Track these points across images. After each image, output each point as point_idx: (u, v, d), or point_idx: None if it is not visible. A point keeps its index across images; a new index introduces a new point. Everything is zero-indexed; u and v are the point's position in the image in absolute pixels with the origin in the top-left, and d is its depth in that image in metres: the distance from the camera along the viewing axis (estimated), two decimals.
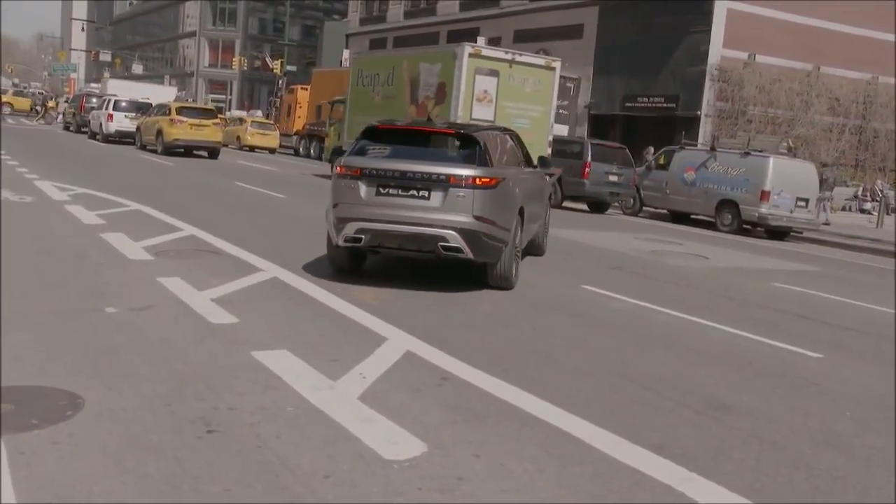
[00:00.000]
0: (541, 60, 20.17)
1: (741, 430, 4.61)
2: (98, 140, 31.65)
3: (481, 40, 38.06)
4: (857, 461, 4.32)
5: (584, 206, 22.40)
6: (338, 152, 21.80)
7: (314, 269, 8.28)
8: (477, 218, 7.79)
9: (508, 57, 19.51)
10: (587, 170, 20.87)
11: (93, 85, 67.03)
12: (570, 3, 36.08)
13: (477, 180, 7.82)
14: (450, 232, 7.74)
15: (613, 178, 21.28)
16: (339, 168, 8.11)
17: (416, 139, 8.50)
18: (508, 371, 5.29)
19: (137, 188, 14.79)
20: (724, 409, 4.95)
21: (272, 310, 6.49)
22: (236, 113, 39.44)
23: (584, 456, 3.97)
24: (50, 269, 7.35)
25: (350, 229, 7.86)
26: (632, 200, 22.39)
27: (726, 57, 31.06)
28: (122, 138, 30.64)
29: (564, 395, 4.90)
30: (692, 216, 21.61)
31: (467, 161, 8.03)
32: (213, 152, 27.67)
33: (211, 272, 7.68)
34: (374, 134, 8.37)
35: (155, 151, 27.09)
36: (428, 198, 7.79)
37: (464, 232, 7.75)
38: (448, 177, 7.80)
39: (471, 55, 18.82)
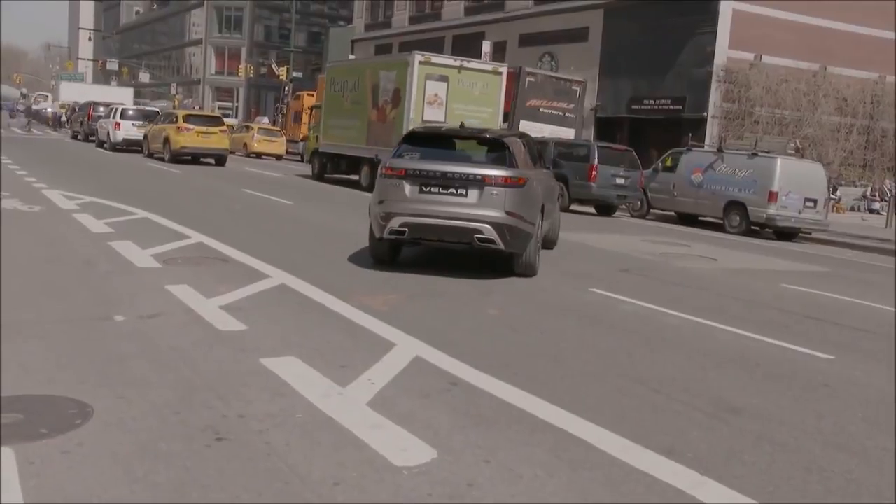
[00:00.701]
0: (488, 66, 22.01)
1: (752, 432, 4.58)
2: (106, 148, 31.81)
3: (486, 45, 38.54)
4: (870, 463, 4.28)
5: (592, 209, 22.34)
6: (315, 153, 25.47)
7: (322, 275, 8.28)
8: (508, 213, 8.85)
9: (457, 63, 21.17)
10: (594, 172, 20.84)
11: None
12: (576, 6, 36.03)
13: (508, 180, 8.93)
14: (485, 225, 8.79)
15: (620, 181, 21.24)
16: (385, 168, 9.13)
17: (451, 143, 9.91)
18: (517, 375, 5.27)
19: (145, 196, 14.82)
20: (734, 412, 4.92)
21: (280, 316, 6.48)
22: (230, 121, 39.71)
23: (595, 460, 3.94)
24: (58, 278, 7.36)
25: (395, 223, 8.90)
26: (639, 203, 22.34)
27: (732, 58, 30.96)
28: (129, 146, 30.78)
29: (574, 398, 4.88)
30: (700, 218, 21.55)
31: (498, 163, 9.15)
32: (220, 159, 27.73)
33: (219, 279, 7.68)
34: (414, 138, 9.61)
35: (162, 159, 27.19)
36: (466, 195, 8.87)
37: (496, 225, 8.80)
38: (483, 177, 8.88)
39: (421, 62, 20.46)
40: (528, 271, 9.40)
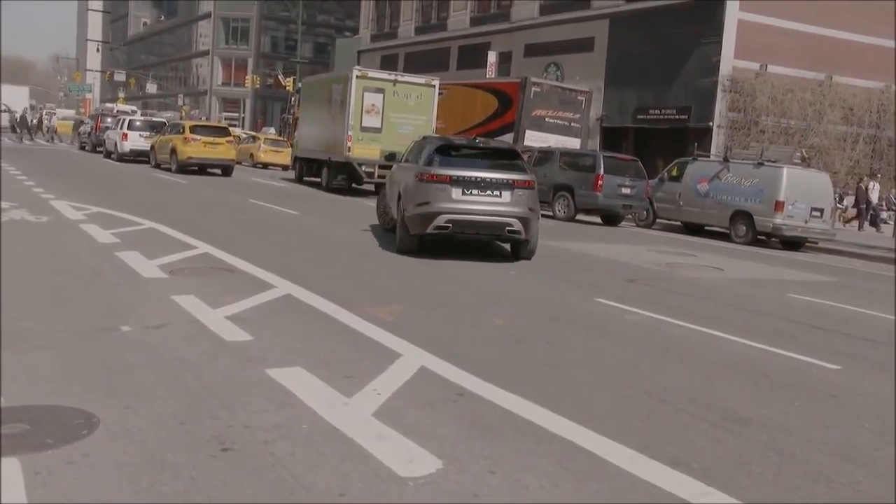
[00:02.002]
0: (421, 79, 24.27)
1: (759, 443, 4.56)
2: (113, 159, 31.90)
3: (492, 55, 38.67)
4: (878, 474, 4.26)
5: (598, 219, 22.34)
6: (296, 159, 28.24)
7: (327, 285, 8.29)
8: (529, 209, 11.37)
9: (391, 77, 23.93)
10: (600, 182, 20.85)
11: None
12: (581, 16, 36.15)
13: (529, 183, 11.48)
14: (514, 220, 11.18)
15: (626, 191, 21.24)
16: (429, 175, 11.14)
17: (474, 153, 11.98)
18: (523, 385, 5.26)
19: (152, 206, 14.85)
20: (741, 422, 4.90)
21: (286, 327, 6.48)
22: (236, 131, 40.43)
23: (601, 471, 3.93)
24: (66, 288, 7.36)
25: (441, 220, 11.01)
26: (645, 213, 22.34)
27: (738, 67, 30.95)
28: (136, 157, 30.84)
29: (580, 409, 4.87)
30: (706, 228, 21.52)
31: (517, 169, 11.59)
32: (226, 170, 27.79)
33: (225, 289, 7.69)
34: (442, 150, 11.68)
35: (169, 170, 27.26)
36: (500, 196, 11.17)
37: (522, 219, 11.24)
38: (514, 181, 11.28)
39: (358, 77, 23.18)
40: (531, 255, 11.85)
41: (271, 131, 50.28)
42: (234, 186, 23.23)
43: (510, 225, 11.20)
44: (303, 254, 11.04)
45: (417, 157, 12.33)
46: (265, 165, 38.21)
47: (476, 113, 27.66)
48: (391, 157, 15.61)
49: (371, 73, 24.00)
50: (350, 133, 22.96)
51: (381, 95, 23.32)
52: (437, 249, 11.73)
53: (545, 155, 22.64)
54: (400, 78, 24.18)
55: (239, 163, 32.94)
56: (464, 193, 11.10)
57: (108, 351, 5.41)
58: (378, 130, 22.70)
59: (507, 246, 12.32)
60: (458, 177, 11.13)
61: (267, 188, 24.01)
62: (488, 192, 11.14)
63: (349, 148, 22.57)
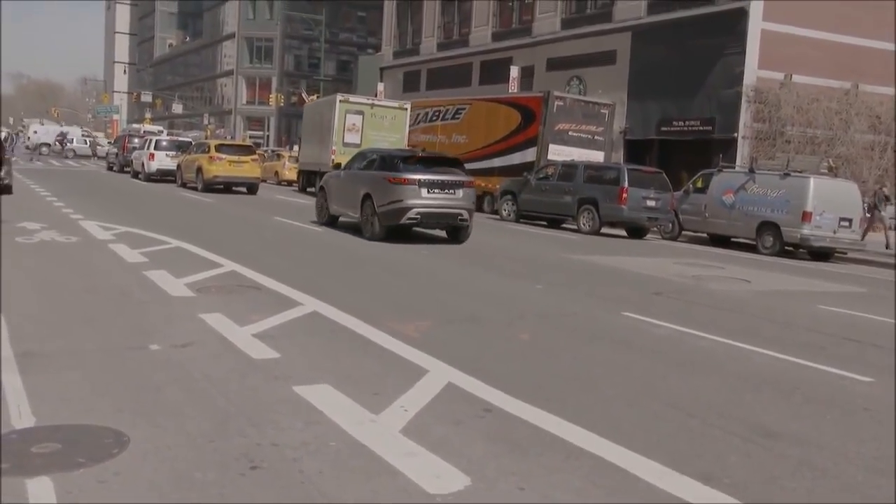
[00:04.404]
0: (394, 103, 30.00)
1: (791, 457, 4.50)
2: (140, 179, 32.27)
3: (514, 70, 38.79)
4: None
5: (623, 232, 22.23)
6: (300, 172, 33.27)
7: (353, 302, 8.31)
8: (472, 203, 15.38)
9: (369, 102, 29.59)
10: (624, 195, 20.78)
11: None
12: (603, 29, 36.10)
13: (472, 183, 15.48)
14: (464, 211, 14.96)
15: (651, 203, 21.14)
16: (403, 179, 14.43)
17: (429, 162, 15.34)
18: (551, 401, 5.23)
19: (179, 226, 15.00)
20: (772, 437, 4.84)
21: (313, 344, 6.50)
22: (261, 150, 41.38)
23: (631, 487, 3.90)
24: (95, 308, 7.42)
25: (412, 213, 14.37)
26: (670, 225, 22.21)
27: (762, 78, 30.69)
28: (163, 177, 31.25)
29: (609, 424, 4.84)
30: (732, 239, 21.35)
31: (462, 173, 15.36)
32: (251, 188, 28.02)
33: (251, 307, 7.73)
34: (405, 160, 15.03)
35: (195, 189, 27.52)
36: (454, 193, 14.79)
37: (468, 210, 15.07)
38: (464, 182, 15.02)
39: (341, 101, 28.32)
40: (468, 237, 15.49)
41: (296, 149, 50.65)
42: (259, 204, 23.41)
43: (461, 215, 14.94)
44: (326, 269, 11.09)
45: (366, 167, 15.82)
46: (290, 183, 38.39)
47: (499, 128, 27.79)
48: (336, 167, 18.16)
49: (352, 98, 29.49)
50: (334, 147, 27.42)
51: (361, 116, 28.12)
52: (398, 237, 14.95)
53: (569, 169, 22.61)
54: (377, 102, 30.09)
55: (264, 180, 33.16)
56: (428, 192, 14.47)
57: (137, 370, 5.44)
58: (358, 146, 25.57)
59: (444, 233, 15.89)
60: (424, 179, 14.49)
61: (291, 205, 24.18)
62: (446, 190, 14.66)
63: (333, 160, 24.55)
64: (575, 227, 21.72)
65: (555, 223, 23.16)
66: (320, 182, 18.40)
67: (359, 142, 27.00)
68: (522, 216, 23.54)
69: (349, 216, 16.25)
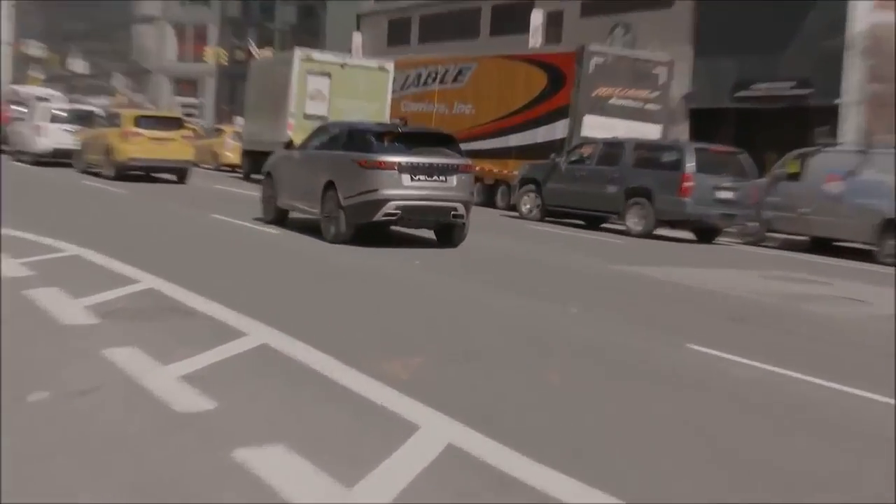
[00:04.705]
0: (374, 63, 30.83)
1: None
2: (25, 161, 32.05)
3: (536, 16, 38.81)
4: None
5: (687, 234, 22.31)
6: (244, 153, 33.93)
7: (317, 332, 8.21)
8: (470, 193, 16.02)
9: (339, 61, 30.04)
10: (688, 184, 20.77)
11: None
12: None
13: (469, 167, 16.05)
14: (458, 204, 15.32)
15: (725, 195, 21.14)
16: (377, 162, 14.87)
17: (414, 139, 16.18)
18: (590, 469, 5.12)
19: (78, 226, 14.86)
20: None
21: (262, 390, 6.40)
22: (194, 123, 41.49)
23: None
24: None
25: (390, 207, 14.78)
26: (753, 224, 22.13)
27: (879, 23, 30.66)
28: (58, 159, 30.88)
29: (675, 501, 4.75)
30: (839, 243, 21.27)
31: (457, 153, 16.00)
32: (180, 174, 28.05)
33: (178, 339, 7.62)
34: (380, 136, 15.64)
35: (103, 176, 27.39)
36: (446, 181, 15.25)
37: (465, 203, 15.48)
38: (458, 165, 15.58)
39: (302, 60, 29.25)
40: (463, 240, 15.98)
41: (242, 123, 50.54)
42: (190, 197, 23.40)
43: (455, 209, 15.31)
44: (280, 286, 11.05)
45: (328, 145, 16.47)
46: (233, 168, 38.44)
47: (517, 94, 27.93)
48: (288, 144, 18.81)
49: (316, 56, 30.14)
50: (291, 121, 28.29)
51: (328, 80, 28.98)
52: (370, 240, 15.23)
53: (613, 149, 22.73)
54: (350, 62, 30.64)
55: (198, 165, 33.14)
56: (412, 179, 14.96)
57: (14, 429, 5.28)
58: (324, 119, 25.79)
59: (431, 233, 16.51)
60: (406, 163, 14.95)
61: (234, 198, 24.27)
62: (435, 177, 15.15)
63: (290, 138, 23.33)
64: (621, 227, 21.77)
65: (593, 222, 23.32)
66: (266, 165, 18.77)
67: (325, 113, 27.68)
68: (549, 213, 23.71)
69: (305, 211, 16.68)
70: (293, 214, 17.39)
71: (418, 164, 14.99)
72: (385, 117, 28.24)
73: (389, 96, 29.83)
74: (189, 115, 54.68)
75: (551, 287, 12.29)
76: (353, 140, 15.82)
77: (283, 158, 18.01)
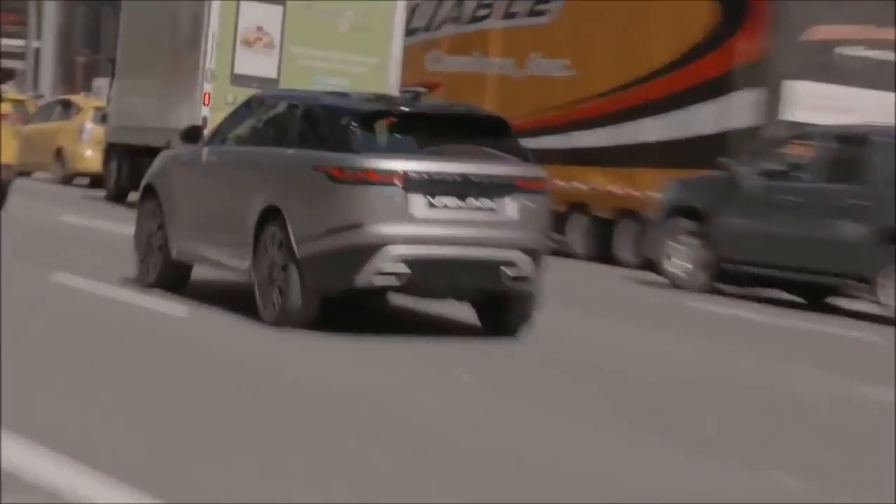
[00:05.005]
0: None
1: None
2: None
3: None
4: None
5: None
6: (108, 151, 30.35)
7: None
8: (543, 232, 13.47)
9: None
10: None
11: None
12: None
13: (539, 183, 13.22)
14: (517, 254, 12.64)
15: None
16: (364, 172, 12.26)
17: (425, 126, 13.50)
18: None
19: None
20: None
21: None
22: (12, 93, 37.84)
23: None
24: None
25: (387, 261, 12.12)
26: None
27: None
28: None
29: None
30: None
31: (513, 153, 13.31)
32: None
33: None
34: (367, 122, 12.92)
35: None
36: (494, 207, 12.65)
37: (532, 252, 12.78)
38: (515, 179, 12.89)
39: None
40: (527, 321, 13.17)
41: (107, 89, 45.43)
42: (15, 238, 20.49)
43: (511, 263, 12.48)
44: (199, 436, 9.07)
45: (263, 137, 14.37)
46: (93, 178, 35.64)
47: (656, 43, 24.21)
48: (191, 133, 15.95)
49: None
50: (207, 88, 23.52)
51: (280, 9, 24.11)
52: (347, 318, 13.26)
53: (851, 148, 19.75)
54: None
55: (27, 173, 32.08)
56: (430, 205, 12.29)
57: None
58: (272, 81, 23.11)
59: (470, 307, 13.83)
60: (420, 173, 12.34)
61: (98, 239, 22.67)
62: (473, 200, 12.44)
63: (204, 119, 22.20)
64: (872, 303, 18.91)
65: (814, 293, 20.64)
66: (147, 176, 16.33)
67: (273, 74, 24.01)
68: (724, 275, 20.82)
69: (220, 264, 14.59)
70: (200, 270, 15.23)
71: (442, 175, 12.41)
72: (390, 83, 24.06)
73: (400, 43, 25.21)
74: (8, 74, 50.98)
75: (761, 441, 9.90)
76: (316, 127, 13.43)
77: (181, 162, 15.56)
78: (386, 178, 12.29)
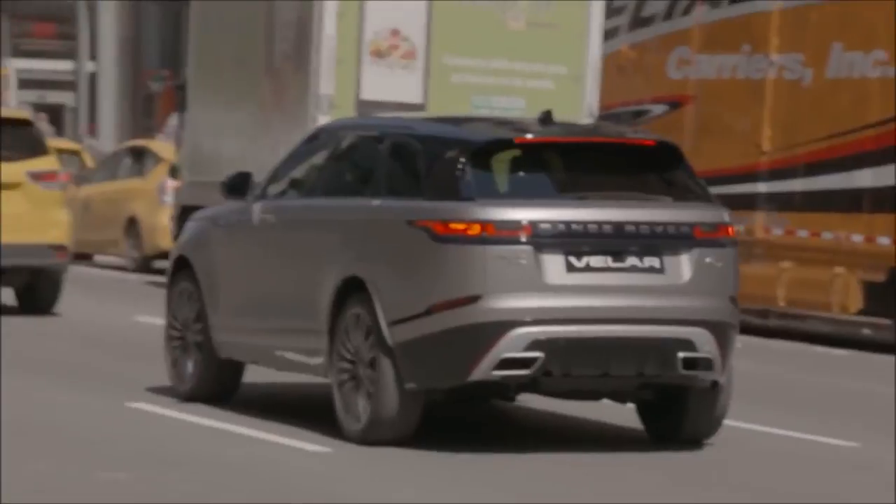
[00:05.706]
0: None
1: None
2: None
3: None
4: None
5: None
6: (182, 213, 24.03)
7: None
8: (731, 300, 11.43)
9: None
10: None
11: None
12: None
13: (725, 231, 11.53)
14: (698, 330, 10.91)
15: None
16: (486, 226, 10.68)
17: (567, 158, 11.88)
18: None
19: None
20: None
21: None
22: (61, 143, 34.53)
23: None
24: None
25: (518, 344, 10.49)
26: None
27: None
28: None
29: None
30: None
31: (687, 192, 11.62)
32: (35, 286, 22.05)
33: None
34: (481, 158, 11.26)
35: None
36: (660, 267, 10.97)
37: (718, 327, 11.03)
38: (693, 227, 11.18)
39: None
40: (718, 427, 11.52)
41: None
42: (69, 351, 18.64)
43: (690, 345, 10.81)
44: None
45: (336, 181, 12.68)
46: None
47: None
48: (237, 184, 13.74)
49: None
50: (322, 122, 18.49)
51: (424, 6, 20.85)
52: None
53: None
54: None
55: (88, 256, 29.87)
56: (572, 268, 10.82)
57: None
58: (416, 107, 20.10)
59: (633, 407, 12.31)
60: (553, 224, 10.87)
61: None
62: (630, 256, 11.00)
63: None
64: None
65: None
66: (178, 246, 14.72)
67: (418, 96, 20.60)
68: None
69: (284, 362, 12.81)
70: (256, 371, 13.55)
71: (586, 225, 10.79)
72: (587, 102, 20.45)
73: (598, 45, 21.44)
74: (54, 113, 48.13)
75: None
76: (410, 167, 11.73)
77: (225, 225, 13.73)
78: (509, 232, 10.67)
